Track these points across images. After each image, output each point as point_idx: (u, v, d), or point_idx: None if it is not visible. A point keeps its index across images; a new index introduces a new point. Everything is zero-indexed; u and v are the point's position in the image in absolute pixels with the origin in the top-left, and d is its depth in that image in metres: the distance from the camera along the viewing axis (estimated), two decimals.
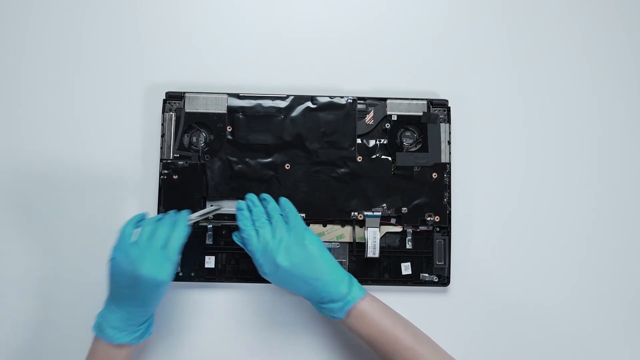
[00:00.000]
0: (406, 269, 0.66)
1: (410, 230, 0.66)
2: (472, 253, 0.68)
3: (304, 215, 0.65)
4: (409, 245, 0.66)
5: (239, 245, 0.65)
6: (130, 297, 0.56)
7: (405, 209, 0.66)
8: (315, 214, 0.66)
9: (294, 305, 0.67)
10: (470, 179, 0.69)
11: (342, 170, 0.66)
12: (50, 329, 0.66)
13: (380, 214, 0.66)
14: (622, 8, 0.71)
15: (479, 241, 0.68)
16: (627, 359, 0.68)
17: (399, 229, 0.66)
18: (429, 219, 0.66)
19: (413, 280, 0.66)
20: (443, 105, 0.67)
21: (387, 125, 0.67)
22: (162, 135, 0.66)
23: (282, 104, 0.67)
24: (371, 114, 0.67)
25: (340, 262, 0.66)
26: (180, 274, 0.65)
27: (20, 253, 0.67)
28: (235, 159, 0.66)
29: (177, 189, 0.65)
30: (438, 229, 0.66)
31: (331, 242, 0.66)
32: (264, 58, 0.70)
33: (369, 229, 0.65)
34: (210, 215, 0.64)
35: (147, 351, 0.66)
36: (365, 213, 0.65)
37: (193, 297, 0.67)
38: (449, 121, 0.67)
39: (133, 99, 0.69)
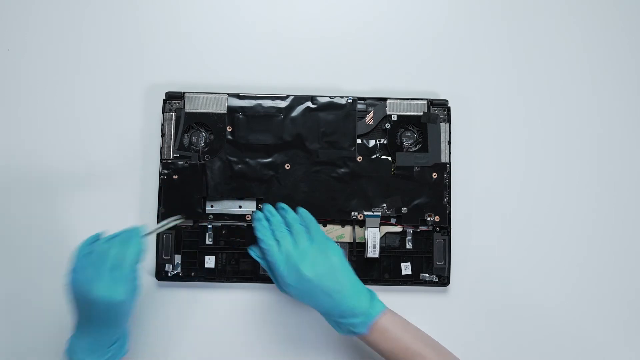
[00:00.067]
0: (406, 269, 0.66)
1: (410, 230, 0.66)
2: (472, 253, 0.68)
3: None
4: (409, 245, 0.66)
5: (238, 247, 0.65)
6: (91, 319, 0.54)
7: (405, 209, 0.66)
8: (315, 214, 0.65)
9: (294, 306, 0.67)
10: (470, 179, 0.69)
11: (342, 170, 0.66)
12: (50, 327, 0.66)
13: (380, 214, 0.66)
14: (622, 8, 0.71)
15: (479, 241, 0.68)
16: (627, 359, 0.68)
17: (399, 229, 0.66)
18: (429, 219, 0.66)
19: (413, 280, 0.66)
20: (443, 105, 0.67)
21: (387, 125, 0.67)
22: (162, 135, 0.66)
23: (282, 104, 0.67)
24: (371, 114, 0.67)
25: None
26: (180, 274, 0.65)
27: (19, 252, 0.67)
28: (235, 159, 0.66)
29: (177, 189, 0.65)
30: (438, 229, 0.66)
31: None
32: (264, 58, 0.70)
33: (369, 229, 0.65)
34: (171, 224, 0.62)
35: (147, 351, 0.66)
36: (365, 213, 0.65)
37: (193, 297, 0.67)
38: (449, 121, 0.67)
39: (133, 99, 0.69)
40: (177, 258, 0.65)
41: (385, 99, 0.67)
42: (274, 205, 0.61)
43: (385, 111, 0.67)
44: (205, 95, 0.67)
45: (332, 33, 0.70)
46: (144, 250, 0.56)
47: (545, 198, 0.69)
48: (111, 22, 0.70)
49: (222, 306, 0.67)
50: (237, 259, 0.66)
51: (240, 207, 0.66)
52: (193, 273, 0.65)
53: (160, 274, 0.65)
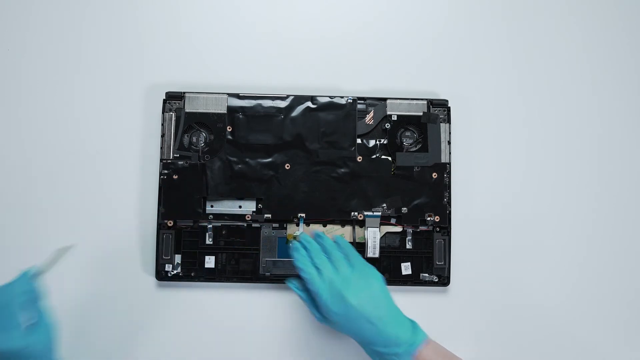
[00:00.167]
0: (406, 269, 0.66)
1: (410, 230, 0.66)
2: (472, 253, 0.68)
3: (304, 215, 0.65)
4: (409, 245, 0.66)
5: (238, 247, 0.65)
6: None
7: (405, 209, 0.66)
8: (315, 214, 0.66)
9: (294, 306, 0.67)
10: (470, 179, 0.69)
11: (342, 170, 0.66)
12: None
13: (380, 214, 0.66)
14: (622, 8, 0.71)
15: (479, 241, 0.68)
16: (627, 359, 0.68)
17: (399, 229, 0.66)
18: (429, 219, 0.66)
19: (413, 280, 0.66)
20: (443, 105, 0.67)
21: (387, 125, 0.67)
22: (162, 135, 0.66)
23: (282, 104, 0.67)
24: (371, 114, 0.67)
25: None
26: (180, 274, 0.65)
27: (19, 253, 0.67)
28: (235, 159, 0.66)
29: (177, 189, 0.65)
30: (438, 229, 0.66)
31: None
32: (264, 58, 0.70)
33: (369, 229, 0.65)
34: (62, 256, 0.57)
35: (147, 351, 0.66)
36: (365, 213, 0.65)
37: (193, 297, 0.67)
38: (449, 121, 0.67)
39: (133, 99, 0.69)
40: (177, 258, 0.65)
41: (385, 99, 0.67)
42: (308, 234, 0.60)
43: (385, 111, 0.67)
44: (205, 95, 0.67)
45: (332, 33, 0.70)
46: (33, 290, 0.53)
47: (545, 198, 0.69)
48: (111, 22, 0.70)
49: (222, 306, 0.67)
50: (237, 259, 0.66)
51: (240, 207, 0.66)
52: (193, 273, 0.65)
53: (160, 274, 0.65)
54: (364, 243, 0.65)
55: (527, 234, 0.68)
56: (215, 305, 0.67)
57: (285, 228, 0.66)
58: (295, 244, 0.59)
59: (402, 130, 0.67)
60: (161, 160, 0.66)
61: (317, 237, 0.60)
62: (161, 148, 0.66)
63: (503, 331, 0.67)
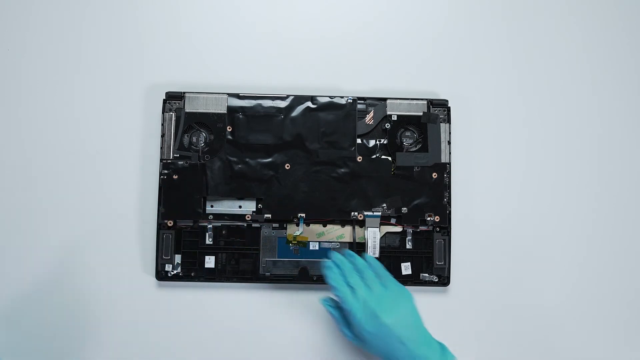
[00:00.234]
0: (406, 269, 0.66)
1: (410, 230, 0.66)
2: (472, 253, 0.68)
3: (304, 215, 0.65)
4: (409, 245, 0.66)
5: (238, 247, 0.65)
6: None
7: (405, 209, 0.66)
8: (315, 214, 0.66)
9: (294, 306, 0.67)
10: (470, 179, 0.69)
11: (342, 170, 0.66)
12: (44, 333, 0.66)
13: (380, 214, 0.66)
14: (622, 8, 0.71)
15: (479, 241, 0.68)
16: (627, 359, 0.68)
17: (399, 229, 0.66)
18: (429, 219, 0.66)
19: (413, 280, 0.66)
20: (443, 105, 0.67)
21: (387, 125, 0.67)
22: (162, 135, 0.66)
23: (282, 104, 0.67)
24: (371, 114, 0.67)
25: None
26: (180, 274, 0.65)
27: (19, 253, 0.67)
28: (235, 159, 0.66)
29: (177, 189, 0.65)
30: (438, 229, 0.66)
31: (331, 242, 0.66)
32: (264, 58, 0.70)
33: (369, 229, 0.65)
34: None
35: (147, 351, 0.66)
36: (365, 213, 0.65)
37: (193, 297, 0.67)
38: (449, 121, 0.67)
39: (133, 99, 0.69)
40: (177, 258, 0.65)
41: (385, 99, 0.67)
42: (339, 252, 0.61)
43: (385, 111, 0.67)
44: (205, 95, 0.67)
45: (332, 33, 0.70)
46: None
47: (545, 198, 0.69)
48: (111, 22, 0.70)
49: (222, 306, 0.67)
50: (237, 259, 0.66)
51: (240, 207, 0.66)
52: (193, 273, 0.65)
53: (160, 274, 0.65)
54: (364, 243, 0.65)
55: (527, 234, 0.68)
56: (215, 305, 0.67)
57: (285, 228, 0.66)
58: (327, 262, 0.59)
59: (402, 130, 0.67)
60: (161, 160, 0.66)
61: (348, 255, 0.60)
62: (161, 148, 0.66)
63: (503, 331, 0.67)
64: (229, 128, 0.66)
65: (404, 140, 0.67)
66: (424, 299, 0.67)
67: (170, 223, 0.65)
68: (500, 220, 0.68)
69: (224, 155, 0.66)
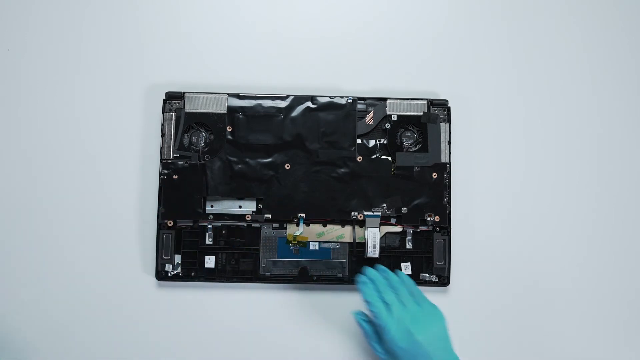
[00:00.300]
0: (406, 269, 0.66)
1: (410, 230, 0.66)
2: (472, 253, 0.68)
3: (304, 215, 0.65)
4: (409, 245, 0.66)
5: (238, 247, 0.65)
6: None
7: (405, 209, 0.66)
8: (315, 214, 0.66)
9: (294, 306, 0.67)
10: (470, 179, 0.69)
11: (342, 170, 0.66)
12: (48, 326, 0.66)
13: (380, 214, 0.66)
14: (622, 8, 0.71)
15: (479, 241, 0.68)
16: (627, 359, 0.68)
17: (399, 229, 0.66)
18: (429, 219, 0.66)
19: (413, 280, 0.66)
20: (443, 105, 0.67)
21: (387, 125, 0.67)
22: (162, 135, 0.66)
23: (282, 104, 0.67)
24: (371, 114, 0.67)
25: (340, 262, 0.66)
26: (180, 274, 0.65)
27: (19, 253, 0.67)
28: (235, 159, 0.66)
29: (177, 189, 0.65)
30: (438, 229, 0.66)
31: (331, 242, 0.66)
32: (264, 58, 0.70)
33: (369, 229, 0.65)
34: None
35: (147, 351, 0.66)
36: (365, 213, 0.65)
37: (193, 297, 0.67)
38: (449, 121, 0.67)
39: (133, 99, 0.69)
40: (177, 258, 0.65)
41: (385, 99, 0.67)
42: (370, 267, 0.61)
43: (385, 111, 0.67)
44: (205, 95, 0.67)
45: (332, 33, 0.70)
46: None
47: (545, 198, 0.69)
48: (111, 22, 0.70)
49: (222, 306, 0.67)
50: (237, 259, 0.66)
51: (240, 207, 0.66)
52: (193, 273, 0.65)
53: (160, 274, 0.65)
54: (364, 243, 0.65)
55: (527, 234, 0.68)
56: (215, 305, 0.67)
57: (285, 228, 0.66)
58: (362, 277, 0.60)
59: (402, 130, 0.67)
60: (161, 160, 0.66)
61: (381, 271, 0.61)
62: (161, 148, 0.66)
63: (503, 331, 0.67)
64: (229, 128, 0.66)
65: (404, 140, 0.67)
66: None
67: (170, 223, 0.65)
68: (500, 220, 0.68)
69: (224, 155, 0.66)
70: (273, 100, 0.67)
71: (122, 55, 0.69)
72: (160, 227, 0.65)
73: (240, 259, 0.66)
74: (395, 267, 0.66)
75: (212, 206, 0.66)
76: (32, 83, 0.69)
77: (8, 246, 0.67)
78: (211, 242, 0.66)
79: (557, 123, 0.70)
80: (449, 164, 0.67)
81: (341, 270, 0.66)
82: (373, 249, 0.64)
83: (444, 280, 0.66)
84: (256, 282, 0.66)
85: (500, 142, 0.69)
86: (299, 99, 0.67)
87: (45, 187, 0.67)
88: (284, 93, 0.67)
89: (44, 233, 0.67)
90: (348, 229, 0.66)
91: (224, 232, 0.66)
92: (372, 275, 0.60)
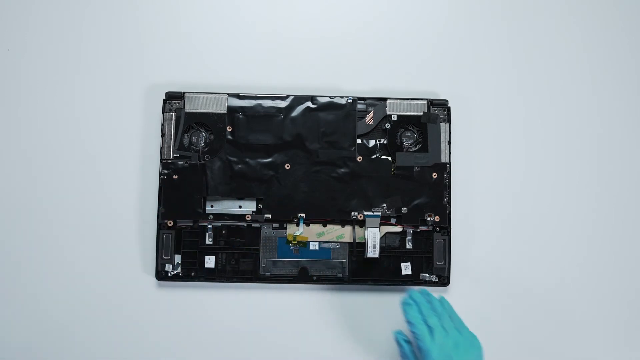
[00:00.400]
0: (406, 269, 0.66)
1: (410, 230, 0.66)
2: (472, 253, 0.68)
3: (304, 215, 0.65)
4: (409, 245, 0.66)
5: (238, 247, 0.65)
6: None
7: (405, 209, 0.66)
8: (315, 214, 0.66)
9: (294, 306, 0.67)
10: (470, 179, 0.69)
11: (342, 170, 0.66)
12: (47, 326, 0.66)
13: (380, 214, 0.66)
14: (622, 8, 0.71)
15: (479, 241, 0.68)
16: (627, 359, 0.68)
17: (399, 229, 0.66)
18: (429, 219, 0.66)
19: (413, 280, 0.66)
20: (443, 105, 0.67)
21: (387, 125, 0.67)
22: (162, 135, 0.66)
23: (282, 104, 0.67)
24: (371, 114, 0.67)
25: (340, 262, 0.66)
26: (180, 274, 0.65)
27: (19, 253, 0.67)
28: (235, 159, 0.66)
29: (177, 189, 0.65)
30: (438, 229, 0.66)
31: (331, 242, 0.66)
32: (264, 58, 0.70)
33: (369, 229, 0.65)
34: None
35: (147, 351, 0.66)
36: (365, 213, 0.65)
37: (193, 297, 0.67)
38: (449, 121, 0.67)
39: (133, 99, 0.69)
40: (177, 258, 0.65)
41: (385, 99, 0.67)
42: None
43: (385, 111, 0.67)
44: (205, 95, 0.67)
45: (332, 33, 0.70)
46: None
47: (545, 198, 0.69)
48: (111, 22, 0.70)
49: (222, 306, 0.67)
50: (237, 259, 0.66)
51: (240, 207, 0.66)
52: (193, 273, 0.65)
53: (160, 274, 0.65)
54: (364, 243, 0.65)
55: (527, 234, 0.68)
56: (215, 305, 0.67)
57: (285, 228, 0.66)
58: (406, 299, 0.60)
59: (402, 130, 0.67)
60: (161, 160, 0.66)
61: (424, 294, 0.61)
62: (161, 148, 0.66)
63: (503, 331, 0.67)
64: (229, 128, 0.66)
65: (404, 140, 0.67)
66: None
67: (170, 223, 0.65)
68: (500, 220, 0.68)
69: (224, 155, 0.66)
70: (273, 100, 0.67)
71: (122, 55, 0.69)
72: (160, 227, 0.65)
73: (240, 259, 0.66)
74: (395, 267, 0.66)
75: (212, 206, 0.66)
76: (32, 83, 0.69)
77: (8, 246, 0.67)
78: (211, 242, 0.66)
79: (557, 123, 0.70)
80: (449, 164, 0.67)
81: (341, 270, 0.66)
82: (373, 249, 0.64)
83: (444, 280, 0.66)
84: (256, 282, 0.66)
85: (500, 142, 0.69)
86: (299, 99, 0.67)
87: (45, 187, 0.67)
88: (284, 93, 0.67)
89: (44, 233, 0.67)
90: (348, 229, 0.66)
91: (224, 232, 0.66)
92: (416, 297, 0.61)
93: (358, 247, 0.66)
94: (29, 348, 0.66)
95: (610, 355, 0.68)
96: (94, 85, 0.69)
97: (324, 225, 0.66)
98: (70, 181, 0.67)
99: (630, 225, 0.69)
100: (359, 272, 0.66)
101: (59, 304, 0.66)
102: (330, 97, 0.67)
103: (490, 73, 0.70)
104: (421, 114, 0.67)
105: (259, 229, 0.66)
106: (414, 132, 0.67)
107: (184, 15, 0.70)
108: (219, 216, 0.65)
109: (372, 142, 0.67)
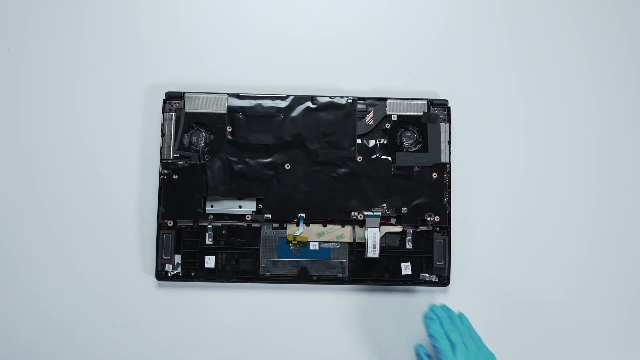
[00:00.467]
0: (406, 269, 0.66)
1: (410, 230, 0.66)
2: (472, 253, 0.68)
3: (304, 215, 0.65)
4: (409, 245, 0.66)
5: (238, 247, 0.65)
6: None
7: (405, 209, 0.66)
8: (315, 214, 0.66)
9: (294, 306, 0.67)
10: (470, 179, 0.69)
11: (342, 170, 0.66)
12: (47, 328, 0.66)
13: (380, 214, 0.66)
14: (622, 8, 0.71)
15: (479, 241, 0.68)
16: (627, 359, 0.68)
17: (399, 229, 0.66)
18: (429, 219, 0.66)
19: (413, 280, 0.66)
20: (443, 105, 0.67)
21: (387, 125, 0.67)
22: (162, 135, 0.66)
23: (282, 104, 0.67)
24: (371, 114, 0.67)
25: (340, 262, 0.66)
26: (180, 274, 0.65)
27: (19, 253, 0.67)
28: (235, 159, 0.66)
29: (177, 189, 0.65)
30: (438, 229, 0.66)
31: (331, 242, 0.66)
32: (264, 58, 0.70)
33: (369, 229, 0.65)
34: None
35: (147, 351, 0.66)
36: (365, 213, 0.65)
37: (193, 297, 0.67)
38: (449, 121, 0.67)
39: (133, 99, 0.69)
40: (177, 258, 0.65)
41: (385, 99, 0.67)
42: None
43: (385, 111, 0.67)
44: (205, 95, 0.67)
45: (332, 33, 0.70)
46: None
47: (545, 198, 0.69)
48: (111, 22, 0.70)
49: (222, 306, 0.67)
50: (237, 259, 0.66)
51: (240, 207, 0.66)
52: (193, 273, 0.65)
53: (160, 274, 0.65)
54: (364, 243, 0.65)
55: (527, 234, 0.68)
56: (215, 305, 0.67)
57: (285, 228, 0.66)
58: (428, 313, 0.61)
59: (402, 130, 0.67)
60: (161, 160, 0.66)
61: (445, 309, 0.62)
62: (161, 148, 0.66)
63: (503, 331, 0.67)
64: (229, 128, 0.66)
65: (404, 140, 0.67)
66: (424, 299, 0.67)
67: (170, 223, 0.65)
68: (500, 220, 0.68)
69: (224, 155, 0.66)
70: (273, 100, 0.67)
71: (122, 55, 0.69)
72: (160, 227, 0.65)
73: (240, 259, 0.66)
74: (395, 267, 0.66)
75: (212, 206, 0.66)
76: (32, 83, 0.69)
77: (8, 246, 0.67)
78: (211, 242, 0.66)
79: (557, 123, 0.70)
80: (449, 164, 0.67)
81: (341, 270, 0.66)
82: (373, 249, 0.64)
83: (444, 280, 0.66)
84: (256, 282, 0.66)
85: (500, 142, 0.69)
86: (299, 99, 0.67)
87: (45, 187, 0.67)
88: (284, 93, 0.67)
89: (44, 233, 0.67)
90: (348, 229, 0.66)
91: (224, 232, 0.66)
92: (438, 312, 0.61)
93: (358, 247, 0.66)
94: (29, 348, 0.66)
95: (610, 355, 0.68)
96: (94, 85, 0.69)
97: (324, 225, 0.66)
98: (70, 181, 0.67)
99: (630, 225, 0.69)
100: (359, 272, 0.66)
101: (59, 304, 0.66)
102: (330, 97, 0.67)
103: (490, 73, 0.70)
104: (421, 114, 0.67)
105: (259, 229, 0.66)
106: (414, 132, 0.67)
107: (184, 15, 0.70)
108: (219, 216, 0.65)
109: (372, 142, 0.67)
